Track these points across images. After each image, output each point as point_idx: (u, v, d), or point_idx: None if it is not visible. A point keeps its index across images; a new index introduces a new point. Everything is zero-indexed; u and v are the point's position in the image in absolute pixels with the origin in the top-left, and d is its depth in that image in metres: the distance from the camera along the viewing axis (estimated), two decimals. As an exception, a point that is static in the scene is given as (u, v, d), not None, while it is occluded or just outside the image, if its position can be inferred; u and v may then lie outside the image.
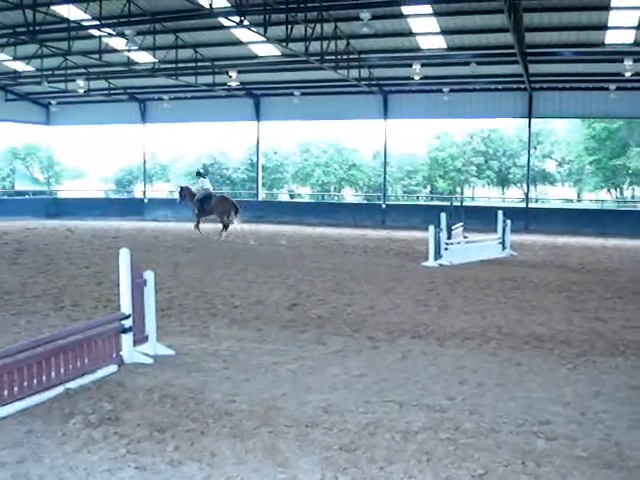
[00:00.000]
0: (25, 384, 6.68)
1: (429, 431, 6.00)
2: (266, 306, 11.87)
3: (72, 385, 7.06)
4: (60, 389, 6.93)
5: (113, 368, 7.72)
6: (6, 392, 6.48)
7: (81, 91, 32.02)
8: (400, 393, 7.06)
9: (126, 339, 8.05)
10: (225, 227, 24.53)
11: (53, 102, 37.73)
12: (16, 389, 6.57)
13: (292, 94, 32.54)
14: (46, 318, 10.69)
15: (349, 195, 51.38)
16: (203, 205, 25.09)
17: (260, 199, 37.22)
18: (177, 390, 6.99)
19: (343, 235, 26.02)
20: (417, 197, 49.92)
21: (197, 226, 25.24)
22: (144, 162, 39.56)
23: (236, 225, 24.90)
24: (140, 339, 8.29)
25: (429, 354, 8.71)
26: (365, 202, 44.04)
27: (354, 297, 12.81)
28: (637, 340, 9.56)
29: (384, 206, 33.81)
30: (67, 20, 22.48)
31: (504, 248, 19.95)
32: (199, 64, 27.53)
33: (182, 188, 27.00)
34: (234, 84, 30.41)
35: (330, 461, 5.34)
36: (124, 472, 5.14)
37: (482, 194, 51.15)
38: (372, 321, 10.69)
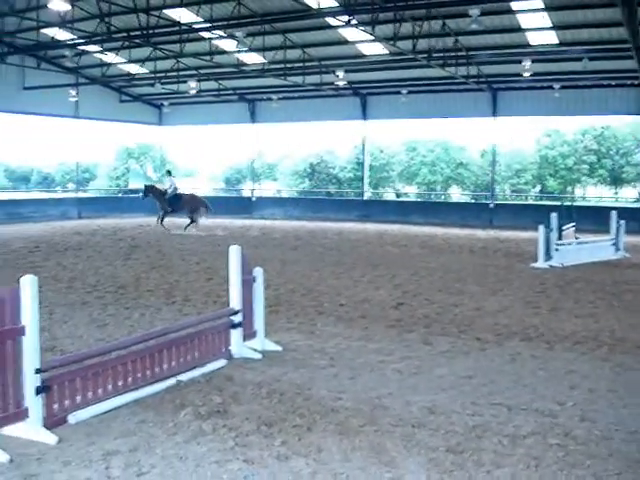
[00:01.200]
0: (138, 375, 6.93)
1: (538, 436, 5.86)
2: (372, 305, 11.88)
3: (183, 378, 7.27)
4: (171, 381, 7.15)
5: (222, 362, 7.90)
6: (120, 382, 6.74)
7: (192, 92, 32.89)
8: (508, 396, 6.93)
9: (235, 334, 8.24)
10: (193, 221, 26.04)
11: (165, 103, 38.90)
12: (130, 380, 6.82)
13: (399, 92, 32.38)
14: (159, 312, 11.04)
15: (456, 194, 50.70)
16: (173, 203, 26.46)
17: (366, 198, 37.25)
18: (284, 386, 7.09)
19: (450, 235, 25.73)
20: (526, 196, 48.78)
21: (161, 222, 26.63)
22: (252, 161, 40.24)
23: (204, 221, 26.50)
24: (249, 334, 8.46)
25: (539, 357, 8.50)
26: (472, 201, 43.37)
27: (461, 297, 12.65)
28: None
29: (492, 205, 33.21)
30: (179, 23, 23.13)
31: (617, 250, 19.25)
32: (307, 64, 27.79)
33: (147, 187, 27.95)
34: (341, 83, 30.53)
35: (436, 462, 5.30)
36: (232, 464, 5.25)
37: (594, 194, 49.47)
38: (480, 322, 10.52)
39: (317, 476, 5.06)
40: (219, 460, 5.32)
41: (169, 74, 30.36)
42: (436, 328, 10.11)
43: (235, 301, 8.27)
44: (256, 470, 5.14)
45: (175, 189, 26.83)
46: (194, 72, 31.07)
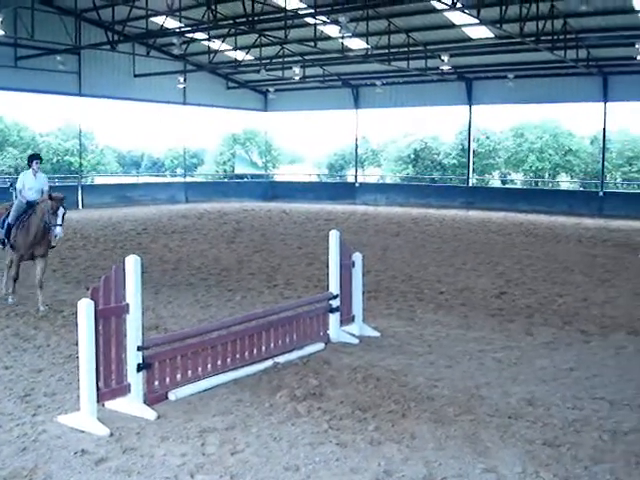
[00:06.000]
0: (237, 356, 7.07)
1: (639, 433, 5.66)
2: (473, 293, 11.72)
3: (281, 360, 7.38)
4: (269, 363, 7.26)
5: (320, 346, 7.98)
6: (220, 362, 6.89)
7: (297, 78, 33.06)
8: (611, 391, 6.71)
9: (333, 318, 8.29)
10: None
11: (270, 89, 39.29)
12: (229, 360, 6.97)
13: (505, 77, 31.59)
14: (260, 295, 11.25)
15: (564, 182, 49.23)
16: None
17: (470, 185, 36.65)
18: (381, 371, 7.09)
19: (557, 223, 25.03)
20: (638, 185, 46.90)
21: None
22: (356, 147, 40.21)
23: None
24: (347, 319, 8.50)
25: (645, 351, 8.19)
26: (581, 189, 42.01)
27: (566, 288, 12.30)
28: None
29: (602, 194, 32.06)
30: (284, 9, 23.26)
31: None
32: (411, 49, 27.48)
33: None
34: (446, 68, 30.02)
35: (532, 455, 5.19)
36: (325, 447, 5.30)
37: None
38: (584, 314, 10.21)
39: (408, 462, 5.04)
40: (312, 442, 5.39)
41: (274, 60, 30.62)
42: (538, 318, 9.88)
43: (333, 285, 8.31)
44: (348, 453, 5.18)
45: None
46: (298, 58, 31.23)
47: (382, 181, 47.02)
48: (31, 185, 10.54)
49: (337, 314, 8.30)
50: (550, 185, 46.34)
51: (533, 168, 48.69)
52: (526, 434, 5.57)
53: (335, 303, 8.30)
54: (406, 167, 50.15)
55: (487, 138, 49.73)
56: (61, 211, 9.89)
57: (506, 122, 50.75)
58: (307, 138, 61.50)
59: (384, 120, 51.01)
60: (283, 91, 39.07)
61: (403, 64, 28.72)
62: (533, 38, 22.64)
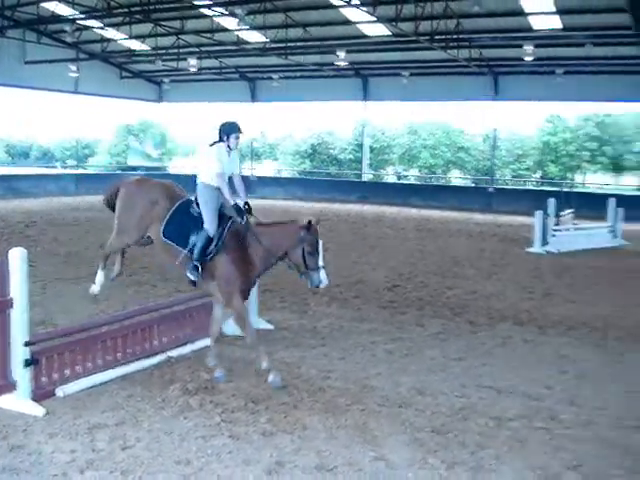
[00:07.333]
0: (128, 350, 6.94)
1: (524, 419, 5.89)
2: (367, 286, 11.89)
3: (173, 354, 7.29)
4: (162, 357, 7.16)
5: (213, 339, 7.90)
6: (110, 357, 6.75)
7: (193, 69, 32.69)
8: (497, 379, 6.96)
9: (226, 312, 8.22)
10: None
11: (166, 80, 38.73)
12: (119, 355, 6.83)
13: (400, 74, 32.20)
14: (153, 289, 11.12)
15: (456, 178, 50.55)
16: None
17: (365, 180, 37.15)
18: (274, 364, 7.08)
19: (449, 218, 25.69)
20: (526, 182, 48.68)
21: None
22: (252, 140, 40.12)
23: None
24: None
25: (530, 342, 8.52)
26: (472, 185, 43.23)
27: (456, 281, 12.65)
28: None
29: (492, 190, 33.14)
30: (180, 0, 22.96)
31: (615, 237, 19.21)
32: (308, 43, 27.60)
33: None
34: (342, 64, 30.32)
35: (421, 442, 5.32)
36: (217, 440, 5.28)
37: (595, 180, 49.27)
38: (473, 305, 10.54)
39: (300, 453, 5.09)
40: (205, 435, 5.36)
41: (170, 51, 30.17)
42: (429, 310, 10.13)
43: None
44: (241, 446, 5.16)
45: None
46: (195, 49, 30.87)
47: (279, 175, 47.00)
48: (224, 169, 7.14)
49: (231, 307, 8.24)
50: (443, 181, 47.52)
51: (427, 164, 49.77)
52: (415, 422, 5.70)
53: (229, 296, 8.23)
54: (303, 161, 50.35)
55: (382, 134, 50.49)
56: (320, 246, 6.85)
57: (401, 119, 51.64)
58: (203, 130, 60.73)
59: (281, 114, 51.01)
60: (179, 82, 38.62)
61: (300, 58, 28.85)
62: (428, 37, 23.16)
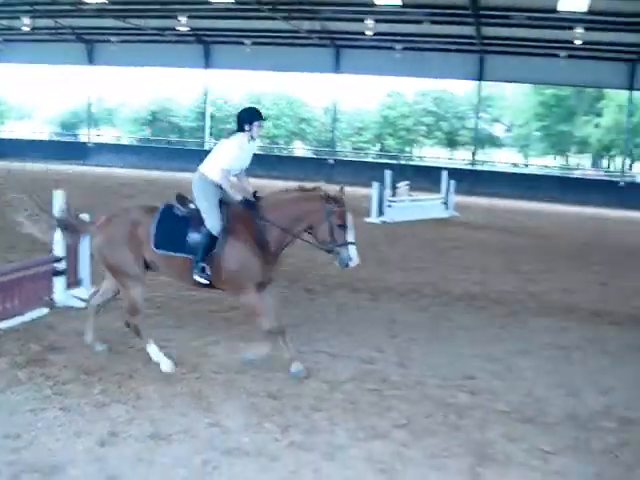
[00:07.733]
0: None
1: (356, 381, 6.11)
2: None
3: (1, 326, 6.97)
4: (-12, 329, 6.84)
5: (44, 311, 7.63)
6: None
7: (26, 29, 31.02)
8: (332, 344, 7.16)
9: (59, 282, 7.95)
10: None
11: (-2, 38, 36.58)
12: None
13: (243, 43, 32.07)
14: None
15: (299, 149, 51.09)
16: None
17: (207, 148, 36.77)
18: (109, 334, 6.95)
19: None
20: (366, 154, 49.93)
21: None
22: (89, 105, 38.70)
23: None
24: (73, 282, 8.20)
25: (363, 308, 8.82)
26: (314, 157, 43.86)
27: (292, 250, 12.73)
28: (567, 302, 9.82)
29: (332, 161, 33.77)
30: (12, -47, 21.72)
31: (447, 208, 20.15)
32: (149, 7, 26.85)
33: None
34: (184, 29, 29.78)
35: (256, 407, 5.41)
36: (48, 412, 5.13)
37: (431, 154, 51.29)
38: (310, 274, 10.74)
39: (134, 422, 5.04)
40: (34, 409, 5.19)
41: (1, 8, 28.43)
42: (267, 279, 10.20)
43: (58, 248, 7.98)
44: (73, 418, 5.05)
45: None
46: (28, 8, 29.24)
47: (118, 142, 45.70)
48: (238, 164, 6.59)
49: (62, 277, 7.99)
50: (285, 152, 47.85)
51: (270, 134, 49.94)
52: (250, 388, 5.78)
53: (61, 266, 7.97)
54: (142, 129, 49.17)
55: (225, 103, 50.15)
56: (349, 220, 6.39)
57: (243, 88, 51.47)
58: (38, 93, 57.90)
59: (121, 79, 49.52)
60: (11, 42, 36.50)
61: (140, 22, 28.04)
62: (270, 6, 23.12)
